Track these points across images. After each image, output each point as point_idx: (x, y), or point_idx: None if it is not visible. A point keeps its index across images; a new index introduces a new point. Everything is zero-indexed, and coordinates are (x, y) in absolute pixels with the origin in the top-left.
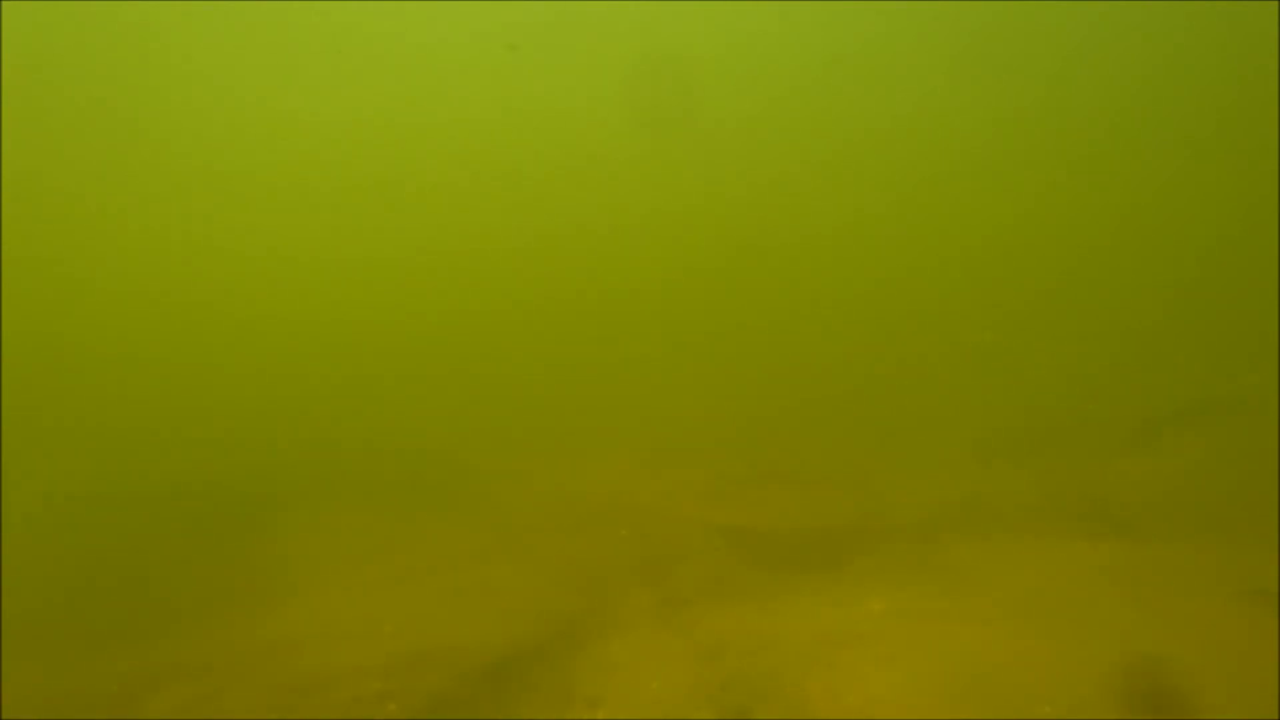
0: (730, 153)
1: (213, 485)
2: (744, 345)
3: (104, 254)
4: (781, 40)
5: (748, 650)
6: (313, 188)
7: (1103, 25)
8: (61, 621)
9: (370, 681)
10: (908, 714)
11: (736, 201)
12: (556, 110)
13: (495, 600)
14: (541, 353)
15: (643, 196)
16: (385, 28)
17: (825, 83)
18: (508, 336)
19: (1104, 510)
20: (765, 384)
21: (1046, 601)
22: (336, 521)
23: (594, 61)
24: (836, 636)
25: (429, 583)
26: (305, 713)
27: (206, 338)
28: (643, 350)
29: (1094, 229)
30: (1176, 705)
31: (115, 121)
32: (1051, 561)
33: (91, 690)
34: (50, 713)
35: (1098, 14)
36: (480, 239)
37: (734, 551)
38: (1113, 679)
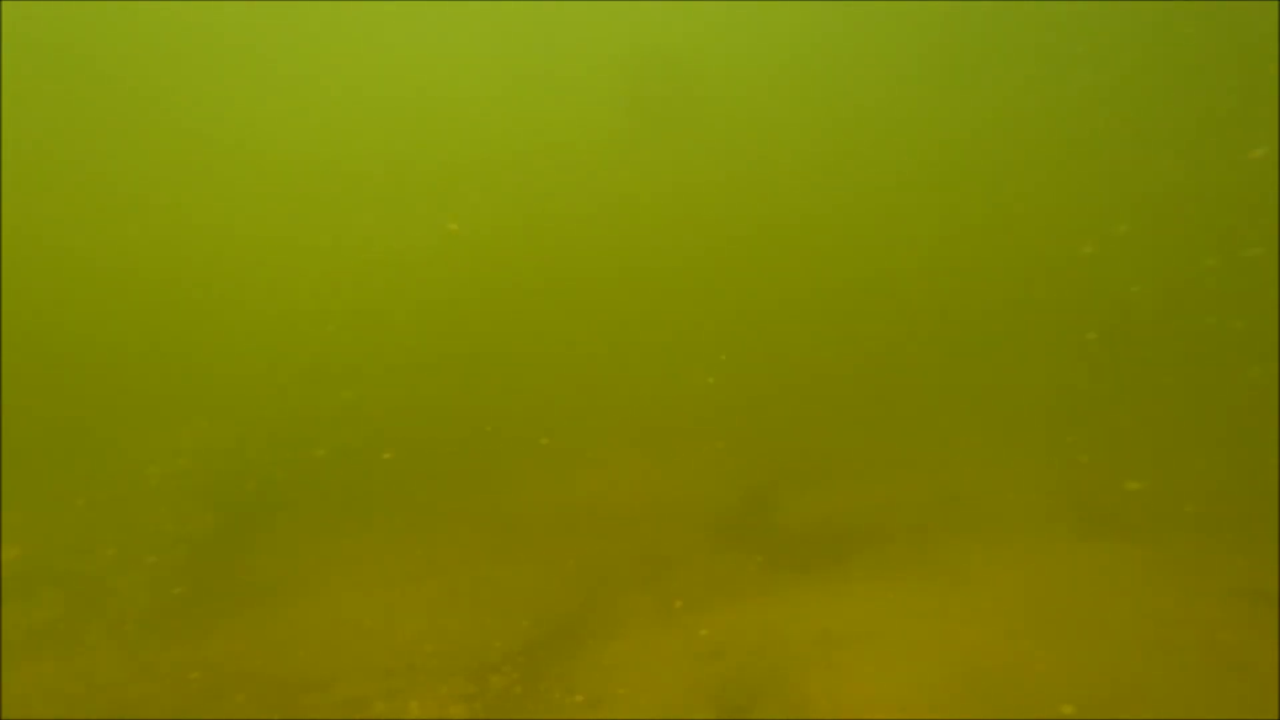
0: (727, 150)
1: (212, 485)
2: (745, 344)
3: (101, 253)
4: (779, 38)
5: (748, 650)
6: (304, 187)
7: (1097, 24)
8: (62, 623)
9: (370, 681)
10: (907, 714)
11: (733, 200)
12: (555, 108)
13: (495, 600)
14: (541, 351)
15: (638, 195)
16: (385, 26)
17: (827, 80)
18: (507, 335)
19: (1104, 510)
20: (766, 383)
21: (1046, 601)
22: (336, 522)
23: (591, 59)
24: (836, 636)
25: (429, 583)
26: (305, 713)
27: (205, 337)
28: (642, 349)
29: (1092, 226)
30: (1175, 706)
31: (117, 117)
32: (1051, 561)
33: (92, 690)
34: (50, 712)
35: (1093, 13)
36: (480, 238)
37: (734, 551)
38: (1112, 679)
